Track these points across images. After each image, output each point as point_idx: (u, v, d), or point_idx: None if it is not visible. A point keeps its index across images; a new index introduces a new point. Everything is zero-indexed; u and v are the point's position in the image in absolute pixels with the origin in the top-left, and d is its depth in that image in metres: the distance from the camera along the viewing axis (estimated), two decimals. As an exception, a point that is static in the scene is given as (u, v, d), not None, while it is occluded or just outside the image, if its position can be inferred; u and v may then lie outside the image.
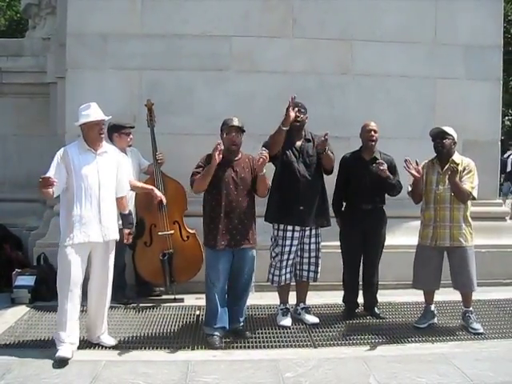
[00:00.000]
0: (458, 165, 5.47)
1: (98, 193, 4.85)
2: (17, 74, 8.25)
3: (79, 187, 4.81)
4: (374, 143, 5.75)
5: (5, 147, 8.45)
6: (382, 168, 5.53)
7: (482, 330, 5.49)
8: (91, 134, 4.87)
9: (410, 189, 5.72)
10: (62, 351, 4.69)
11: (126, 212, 5.26)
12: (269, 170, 5.44)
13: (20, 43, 8.78)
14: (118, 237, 5.07)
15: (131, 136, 6.36)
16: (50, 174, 4.77)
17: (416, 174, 5.48)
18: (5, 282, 6.76)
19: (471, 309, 5.68)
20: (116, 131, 6.28)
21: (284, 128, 5.42)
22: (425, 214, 5.66)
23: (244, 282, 5.35)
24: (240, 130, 5.23)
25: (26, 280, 6.36)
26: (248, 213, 5.27)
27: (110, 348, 5.02)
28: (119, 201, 5.13)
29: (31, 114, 8.29)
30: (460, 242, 5.50)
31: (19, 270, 6.62)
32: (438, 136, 5.54)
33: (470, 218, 5.58)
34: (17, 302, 6.25)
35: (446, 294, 5.88)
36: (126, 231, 5.24)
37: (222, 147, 5.06)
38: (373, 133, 5.72)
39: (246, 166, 5.31)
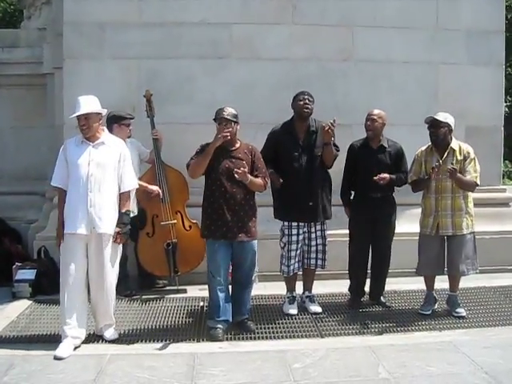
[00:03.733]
0: (454, 151, 5.45)
1: (87, 184, 4.74)
2: (13, 66, 8.08)
3: (71, 178, 4.82)
4: (371, 132, 5.67)
5: (2, 140, 8.31)
6: (381, 182, 5.51)
7: (464, 314, 5.51)
8: (79, 127, 4.87)
9: (410, 180, 5.68)
10: (59, 350, 4.62)
11: (123, 210, 4.98)
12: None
13: (15, 34, 8.62)
14: (112, 231, 4.85)
15: (131, 127, 6.27)
16: (56, 169, 4.91)
17: (433, 179, 5.44)
18: (5, 276, 6.68)
19: (457, 293, 5.69)
20: (115, 122, 6.19)
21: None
22: (425, 202, 5.62)
23: (246, 275, 5.28)
24: (230, 121, 5.09)
25: (26, 274, 6.29)
26: (245, 204, 5.15)
27: (114, 341, 4.95)
28: (121, 197, 4.97)
29: (28, 106, 8.17)
30: (462, 229, 5.48)
31: (19, 264, 6.55)
32: (432, 125, 5.47)
33: (471, 205, 5.56)
34: (18, 296, 6.18)
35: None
36: (116, 229, 4.90)
37: (228, 138, 5.00)
38: (369, 122, 5.65)
39: (244, 157, 5.20)
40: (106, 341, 4.96)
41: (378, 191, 5.64)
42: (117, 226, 4.89)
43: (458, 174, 5.34)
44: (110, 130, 6.17)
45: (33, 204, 7.97)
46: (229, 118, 5.07)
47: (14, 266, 6.53)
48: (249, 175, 5.05)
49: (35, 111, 8.13)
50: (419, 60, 7.18)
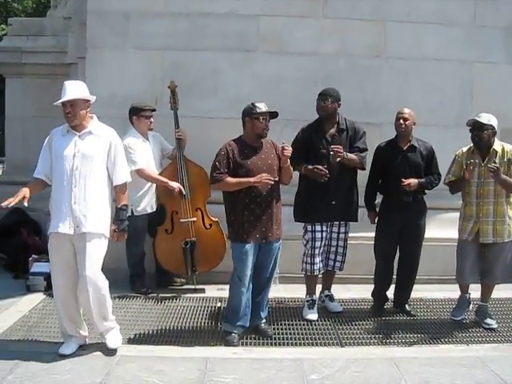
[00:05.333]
0: (496, 153, 5.18)
1: (71, 178, 4.37)
2: (37, 55, 7.96)
3: (55, 171, 4.47)
4: (403, 132, 5.44)
5: (24, 129, 8.19)
6: (408, 188, 5.26)
7: (495, 326, 5.27)
8: (64, 115, 4.50)
9: (446, 180, 5.42)
10: (62, 347, 4.50)
11: (119, 205, 4.60)
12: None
13: (40, 23, 8.49)
14: (101, 231, 4.46)
15: (152, 119, 6.11)
16: (39, 160, 4.58)
17: (468, 176, 5.16)
18: (22, 268, 6.61)
19: (488, 304, 5.44)
20: (135, 114, 6.04)
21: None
22: (465, 208, 5.35)
23: (269, 276, 5.09)
24: (271, 115, 4.95)
25: (42, 267, 6.16)
26: (276, 201, 4.99)
27: (124, 341, 4.76)
28: (116, 190, 4.62)
29: (52, 96, 7.93)
30: (503, 237, 5.21)
31: (36, 256, 6.47)
32: (475, 127, 5.18)
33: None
34: (32, 289, 6.09)
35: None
36: (113, 227, 4.56)
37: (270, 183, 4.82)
38: (401, 121, 5.42)
39: (271, 152, 5.02)
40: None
41: (409, 194, 5.38)
42: (113, 222, 4.58)
43: (503, 175, 5.05)
44: (131, 123, 6.04)
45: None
46: (271, 110, 4.93)
47: (30, 259, 6.46)
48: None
49: (58, 101, 8.00)
50: (454, 58, 6.84)
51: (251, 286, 4.97)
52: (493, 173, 4.99)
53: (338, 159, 5.23)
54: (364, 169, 5.51)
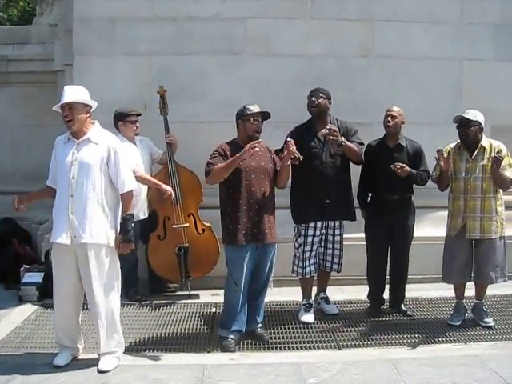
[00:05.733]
0: (484, 149, 5.18)
1: (69, 186, 4.27)
2: (24, 63, 7.93)
3: (58, 180, 4.42)
4: (390, 129, 5.43)
5: (13, 138, 8.16)
6: (399, 171, 5.21)
7: (492, 324, 5.25)
8: (63, 120, 4.39)
9: (434, 176, 5.41)
10: (56, 358, 4.43)
11: (125, 214, 4.43)
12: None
13: (27, 30, 8.44)
14: (101, 241, 4.32)
15: (138, 124, 6.05)
16: (50, 168, 4.54)
17: (444, 165, 5.16)
18: (13, 279, 6.53)
19: (483, 302, 5.41)
20: (120, 119, 5.98)
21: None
22: (453, 203, 5.33)
23: (265, 280, 5.05)
24: (263, 115, 4.94)
25: (33, 277, 6.10)
26: (270, 204, 4.95)
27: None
28: (122, 198, 4.46)
29: (40, 104, 7.96)
30: (491, 234, 5.19)
31: (27, 266, 6.42)
32: (461, 124, 5.19)
33: (501, 208, 5.26)
34: (24, 299, 6.00)
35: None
36: (119, 237, 4.42)
37: (257, 149, 4.71)
38: (389, 118, 5.41)
39: (265, 155, 4.98)
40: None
41: (396, 193, 5.39)
42: (119, 233, 4.42)
43: (501, 170, 5.07)
44: (116, 128, 5.98)
45: (43, 204, 7.71)
46: (263, 111, 4.93)
47: (21, 269, 6.39)
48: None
49: (47, 109, 7.79)
50: (442, 56, 6.83)
51: (246, 290, 4.92)
52: (496, 163, 5.01)
53: (336, 139, 5.14)
54: (361, 162, 5.46)
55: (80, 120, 4.34)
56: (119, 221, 4.45)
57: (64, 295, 4.42)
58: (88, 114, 4.41)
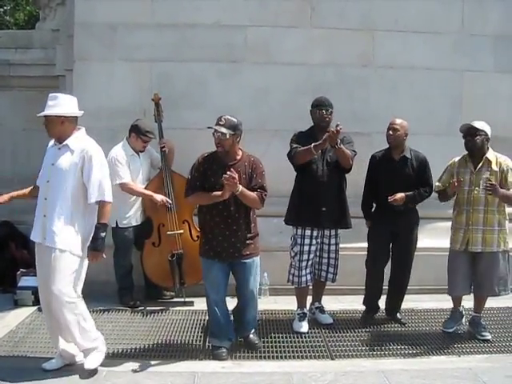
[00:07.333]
0: (491, 162, 5.15)
1: (45, 190, 4.37)
2: (25, 67, 7.95)
3: (39, 182, 4.53)
4: (392, 142, 5.41)
5: (14, 142, 8.17)
6: (395, 204, 5.23)
7: (489, 337, 5.20)
8: None
9: (436, 189, 5.39)
10: (45, 362, 4.45)
11: (97, 223, 4.38)
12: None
13: (29, 35, 8.47)
14: (65, 247, 4.26)
15: (147, 144, 6.11)
16: None
17: (451, 190, 5.18)
18: (10, 282, 6.53)
19: (481, 315, 5.37)
20: (135, 132, 6.00)
21: (314, 152, 5.09)
22: (456, 217, 5.30)
23: (250, 292, 4.93)
24: (223, 133, 4.59)
25: (29, 281, 6.07)
26: (243, 223, 4.76)
27: (111, 356, 4.70)
28: (98, 207, 4.41)
29: (41, 108, 7.96)
30: (492, 247, 5.15)
31: (24, 270, 6.42)
32: (469, 133, 5.16)
33: (505, 221, 5.23)
34: (20, 303, 6.01)
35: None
36: (89, 245, 4.37)
37: (235, 189, 4.50)
38: (391, 131, 5.38)
39: (244, 172, 4.72)
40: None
41: (400, 204, 5.33)
42: (91, 241, 4.38)
43: (501, 190, 5.01)
44: (128, 135, 6.01)
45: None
46: (222, 130, 4.57)
47: (17, 273, 6.41)
48: (240, 185, 4.51)
49: (48, 114, 7.95)
50: (443, 67, 6.82)
51: (237, 298, 4.95)
52: (490, 191, 4.98)
53: (337, 128, 5.02)
54: (350, 169, 5.38)
55: (57, 132, 4.40)
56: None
57: (42, 297, 4.44)
58: (66, 123, 4.38)
